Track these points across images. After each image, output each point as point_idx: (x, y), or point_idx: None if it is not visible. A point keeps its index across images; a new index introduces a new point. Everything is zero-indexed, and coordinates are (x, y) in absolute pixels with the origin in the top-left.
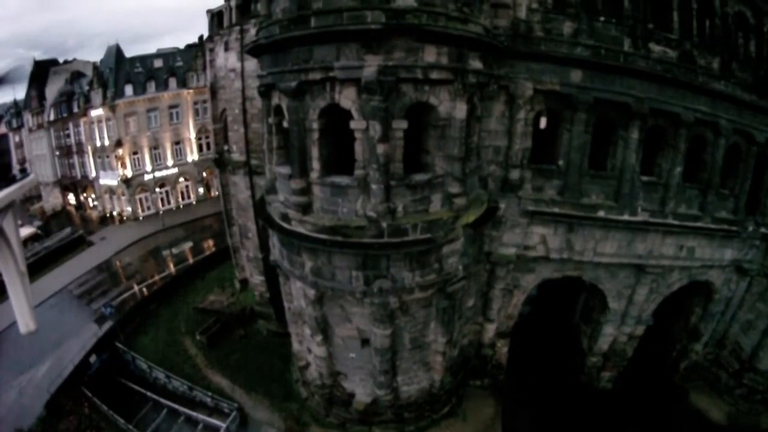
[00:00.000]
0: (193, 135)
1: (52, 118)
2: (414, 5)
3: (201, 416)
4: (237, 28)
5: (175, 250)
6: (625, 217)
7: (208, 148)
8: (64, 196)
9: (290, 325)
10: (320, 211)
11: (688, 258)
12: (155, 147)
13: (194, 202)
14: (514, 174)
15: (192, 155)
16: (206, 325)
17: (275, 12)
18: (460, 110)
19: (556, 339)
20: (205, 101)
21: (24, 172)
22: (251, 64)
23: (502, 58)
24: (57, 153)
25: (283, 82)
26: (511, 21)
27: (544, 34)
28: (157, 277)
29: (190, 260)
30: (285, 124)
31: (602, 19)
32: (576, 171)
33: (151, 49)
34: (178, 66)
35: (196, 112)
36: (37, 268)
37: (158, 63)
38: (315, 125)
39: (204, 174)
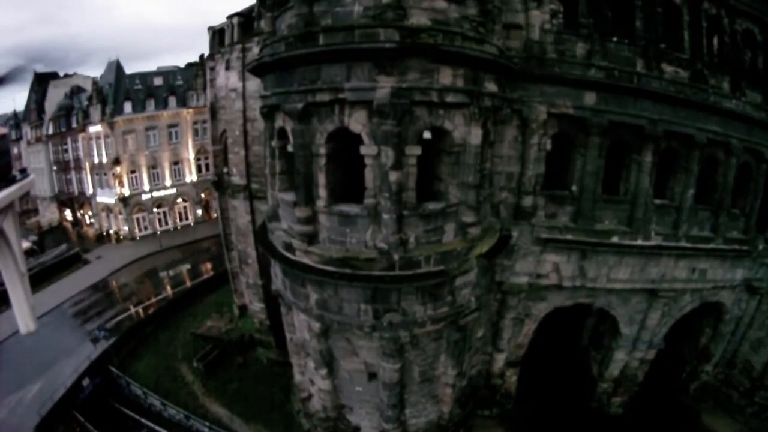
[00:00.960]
0: (192, 155)
1: (50, 132)
2: (429, 24)
3: None
4: (239, 46)
5: (172, 273)
6: (639, 242)
7: (207, 169)
8: (61, 212)
9: (292, 356)
10: (327, 242)
11: (700, 280)
12: (153, 166)
13: (192, 224)
14: (527, 201)
15: (191, 176)
16: (204, 352)
17: (280, 29)
18: (476, 135)
19: (563, 364)
20: (204, 121)
21: (24, 172)
22: (253, 84)
23: (516, 80)
24: (55, 168)
25: (288, 104)
26: (524, 42)
27: (557, 55)
28: (153, 300)
29: (188, 283)
30: (290, 148)
31: (615, 39)
32: (590, 196)
33: (151, 66)
34: (179, 85)
35: (196, 132)
36: (31, 283)
37: (158, 81)
38: (322, 150)
39: (203, 195)
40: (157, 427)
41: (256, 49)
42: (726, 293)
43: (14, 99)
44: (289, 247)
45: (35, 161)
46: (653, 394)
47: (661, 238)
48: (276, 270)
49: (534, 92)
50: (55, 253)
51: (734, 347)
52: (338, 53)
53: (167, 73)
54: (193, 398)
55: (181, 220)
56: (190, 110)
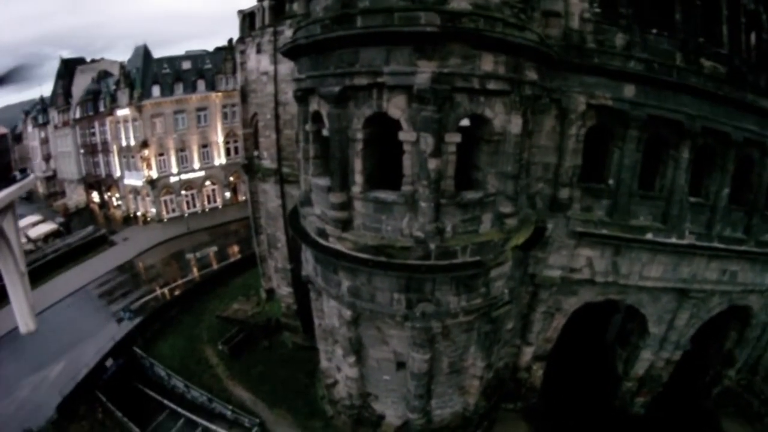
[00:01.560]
0: (221, 138)
1: (77, 116)
2: (469, 8)
3: (220, 429)
4: (270, 29)
5: (199, 255)
6: (673, 240)
7: (236, 152)
8: (88, 194)
9: (319, 342)
10: (362, 228)
11: (730, 282)
12: (182, 149)
13: (220, 207)
14: (564, 193)
15: (219, 159)
16: (229, 335)
17: (315, 11)
18: (516, 124)
19: (587, 360)
20: (234, 105)
21: (24, 172)
22: (285, 67)
23: (555, 69)
24: (82, 151)
25: (324, 87)
26: (563, 31)
27: (596, 45)
28: (179, 282)
29: (215, 266)
30: (325, 132)
31: (654, 31)
32: (626, 191)
33: (176, 52)
34: (207, 68)
35: (225, 116)
36: (57, 265)
37: (186, 65)
38: (359, 135)
39: (231, 178)
40: (179, 409)
41: (288, 32)
42: (755, 297)
43: (41, 85)
44: (322, 233)
45: (62, 145)
46: (675, 396)
47: (695, 237)
48: (307, 255)
49: (573, 82)
50: (82, 235)
51: (759, 354)
52: (377, 36)
53: (195, 57)
54: (217, 381)
55: (209, 202)
56: (219, 94)
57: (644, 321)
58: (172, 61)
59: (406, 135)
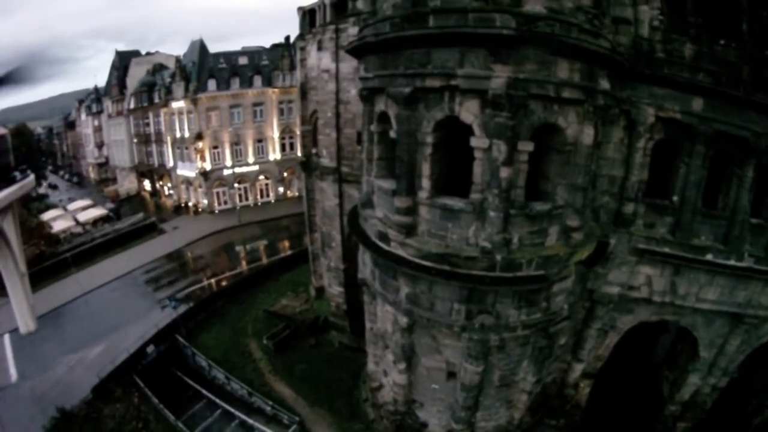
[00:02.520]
0: (276, 134)
1: (132, 106)
2: (544, 12)
3: (257, 424)
4: (332, 27)
5: (248, 248)
6: (732, 262)
7: (292, 148)
8: (140, 182)
9: (369, 345)
10: (426, 235)
11: None
12: (237, 143)
13: (273, 201)
14: (629, 208)
15: (274, 154)
16: (275, 330)
17: (382, 9)
18: (588, 135)
19: (633, 380)
20: (290, 101)
21: (24, 172)
22: (347, 65)
23: (625, 79)
24: (135, 140)
25: (393, 87)
26: (633, 39)
27: (665, 55)
28: (227, 274)
29: (264, 260)
30: (392, 134)
31: (722, 42)
32: (690, 209)
33: (226, 48)
34: (264, 65)
35: (281, 112)
36: (105, 249)
37: (243, 60)
38: (429, 139)
39: (285, 174)
40: (217, 400)
41: (352, 30)
42: None
43: (95, 75)
44: (383, 237)
45: (116, 133)
46: (714, 423)
47: (753, 261)
48: (365, 258)
49: (643, 93)
50: (132, 221)
51: None
52: (451, 37)
53: (252, 53)
54: (259, 375)
55: (261, 196)
56: (276, 90)
57: (695, 344)
58: (229, 56)
59: (478, 141)
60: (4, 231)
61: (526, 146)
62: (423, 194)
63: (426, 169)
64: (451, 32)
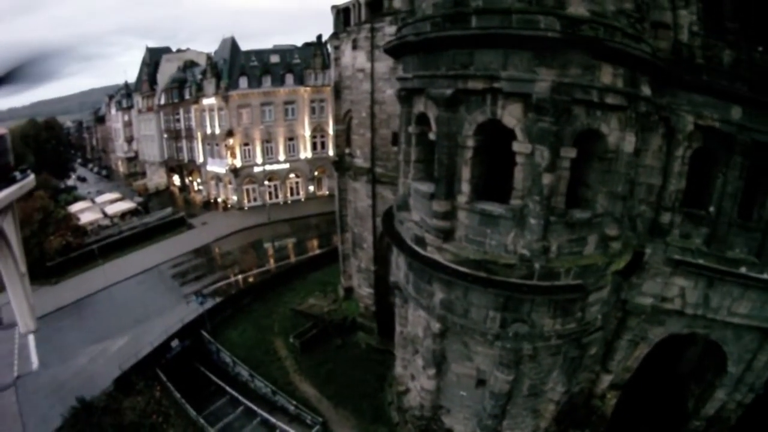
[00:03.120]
0: (308, 133)
1: (162, 102)
2: (587, 15)
3: (279, 423)
4: (367, 26)
5: (277, 245)
6: (765, 276)
7: (323, 147)
8: (169, 177)
9: (398, 349)
10: (463, 240)
11: None
12: (267, 140)
13: (303, 199)
14: (665, 217)
15: (305, 153)
16: (302, 329)
17: (421, 8)
18: (629, 142)
19: (657, 392)
20: (322, 100)
21: (24, 172)
22: (382, 65)
23: (665, 85)
24: (165, 135)
25: (434, 88)
26: (672, 44)
27: (704, 61)
28: (255, 271)
29: (292, 258)
30: (431, 136)
31: (760, 49)
32: (726, 220)
33: (256, 46)
34: (296, 63)
35: (313, 111)
36: (132, 242)
37: (275, 58)
38: (469, 142)
39: (316, 173)
40: (240, 397)
41: (388, 29)
42: None
43: (125, 71)
44: (420, 241)
45: (146, 128)
46: None
47: None
48: (399, 262)
49: (682, 100)
50: (160, 215)
51: None
52: (495, 38)
53: (284, 52)
54: (283, 374)
55: (291, 194)
56: (308, 89)
57: (723, 359)
58: (260, 54)
59: (520, 146)
60: (4, 231)
61: (569, 152)
62: (462, 198)
63: (466, 173)
64: (495, 33)
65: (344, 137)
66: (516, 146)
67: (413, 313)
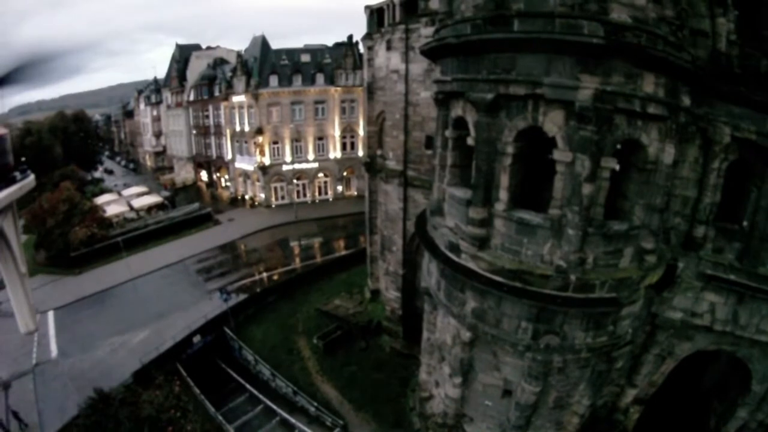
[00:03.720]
0: (338, 133)
1: (192, 98)
2: (630, 22)
3: (299, 424)
4: (402, 26)
5: (304, 245)
6: None
7: (352, 147)
8: (197, 172)
9: (423, 355)
10: (499, 249)
11: None
12: (297, 139)
13: (331, 199)
14: (700, 231)
15: (335, 152)
16: (326, 330)
17: (460, 9)
18: (669, 154)
19: (679, 407)
20: (352, 100)
21: (24, 172)
22: (417, 66)
23: (703, 95)
24: (194, 131)
25: (474, 93)
26: (710, 53)
27: (741, 71)
28: (280, 269)
29: (319, 258)
30: (469, 141)
31: None
32: (758, 235)
33: (284, 45)
34: (326, 62)
35: (343, 111)
36: (158, 235)
37: (305, 57)
38: (509, 149)
39: (344, 173)
40: (260, 396)
41: (424, 30)
42: None
43: (155, 67)
44: (454, 248)
45: (174, 124)
46: None
47: None
48: (431, 268)
49: (720, 111)
50: (187, 210)
51: None
52: (538, 43)
53: (315, 51)
54: (306, 375)
55: (319, 194)
56: (338, 89)
57: (748, 377)
58: (291, 53)
59: (561, 155)
60: (4, 231)
61: (609, 163)
62: (500, 206)
63: (504, 180)
64: (538, 38)
65: (376, 139)
66: (557, 154)
67: (442, 320)
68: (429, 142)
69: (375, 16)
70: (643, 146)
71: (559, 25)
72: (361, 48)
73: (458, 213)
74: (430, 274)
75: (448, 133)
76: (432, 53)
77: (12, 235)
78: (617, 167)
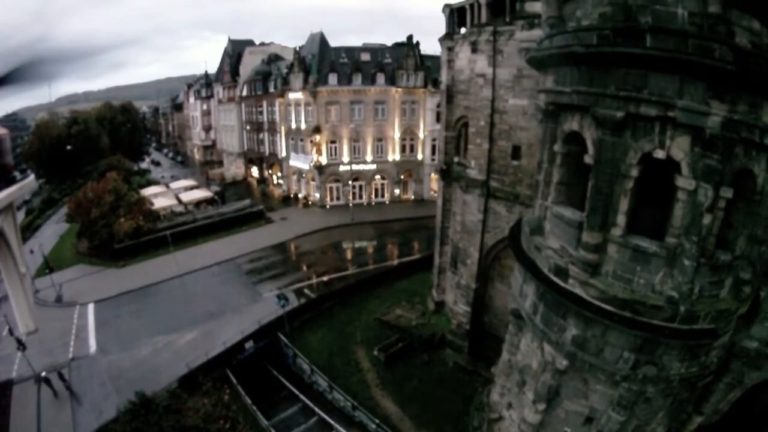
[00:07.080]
0: (397, 135)
1: (244, 93)
2: (750, 48)
3: None
4: (489, 28)
5: (360, 249)
6: None
7: (411, 150)
8: (247, 168)
9: (499, 376)
10: (610, 276)
11: None
12: (355, 140)
13: (387, 202)
14: None
15: (393, 155)
16: (388, 342)
17: (575, 16)
18: None
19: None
20: (413, 102)
21: (24, 172)
22: (505, 71)
23: None
24: (246, 127)
25: (601, 108)
26: None
27: None
28: (336, 274)
29: (376, 264)
30: (587, 159)
31: None
32: None
33: (333, 44)
34: (387, 62)
35: (403, 112)
36: (207, 231)
37: (365, 56)
38: (633, 171)
39: (402, 176)
40: (316, 408)
41: (519, 34)
42: None
43: (206, 62)
44: (561, 272)
45: (225, 119)
46: None
47: None
48: (527, 289)
49: None
50: (238, 207)
51: None
52: (672, 63)
53: (375, 50)
54: (364, 388)
55: (376, 196)
56: (399, 89)
57: None
58: (351, 51)
59: (684, 182)
60: (3, 231)
61: (727, 193)
62: (617, 231)
63: (624, 204)
64: (673, 57)
65: (454, 144)
66: (680, 181)
67: (530, 344)
68: (516, 153)
69: (455, 15)
70: (754, 176)
71: (692, 46)
72: (423, 49)
73: (565, 235)
74: (523, 296)
75: (557, 147)
76: (543, 61)
77: (12, 235)
78: (731, 197)
